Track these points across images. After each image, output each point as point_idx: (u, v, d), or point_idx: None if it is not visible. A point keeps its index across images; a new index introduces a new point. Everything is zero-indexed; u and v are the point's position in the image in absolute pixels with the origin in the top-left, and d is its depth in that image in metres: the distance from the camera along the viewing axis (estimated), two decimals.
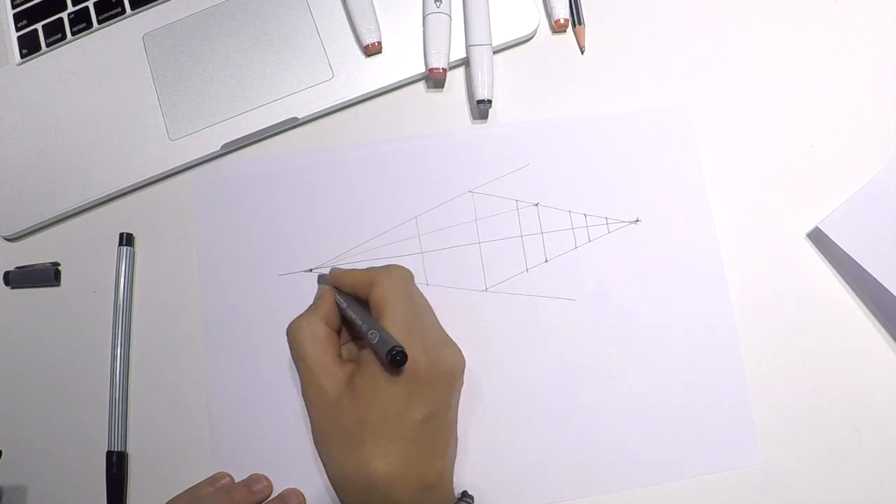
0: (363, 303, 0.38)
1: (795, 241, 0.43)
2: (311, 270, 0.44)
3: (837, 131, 0.45)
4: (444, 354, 0.36)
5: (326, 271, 0.43)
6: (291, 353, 0.38)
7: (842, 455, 0.40)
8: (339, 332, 0.39)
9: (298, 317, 0.38)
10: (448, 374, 0.36)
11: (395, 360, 0.32)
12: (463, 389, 0.41)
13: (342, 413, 0.34)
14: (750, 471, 0.40)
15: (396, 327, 0.34)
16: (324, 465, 0.37)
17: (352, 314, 0.37)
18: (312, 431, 0.37)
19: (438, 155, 0.45)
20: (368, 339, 0.34)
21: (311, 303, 0.41)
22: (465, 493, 0.38)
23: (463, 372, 0.38)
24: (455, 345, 0.37)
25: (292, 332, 0.37)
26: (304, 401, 0.37)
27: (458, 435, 0.40)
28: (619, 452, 0.40)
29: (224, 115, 0.45)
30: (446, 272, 0.43)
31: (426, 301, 0.40)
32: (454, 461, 0.38)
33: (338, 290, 0.40)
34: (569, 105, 0.46)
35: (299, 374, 0.37)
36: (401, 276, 0.38)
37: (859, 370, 0.41)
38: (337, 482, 0.36)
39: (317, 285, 0.43)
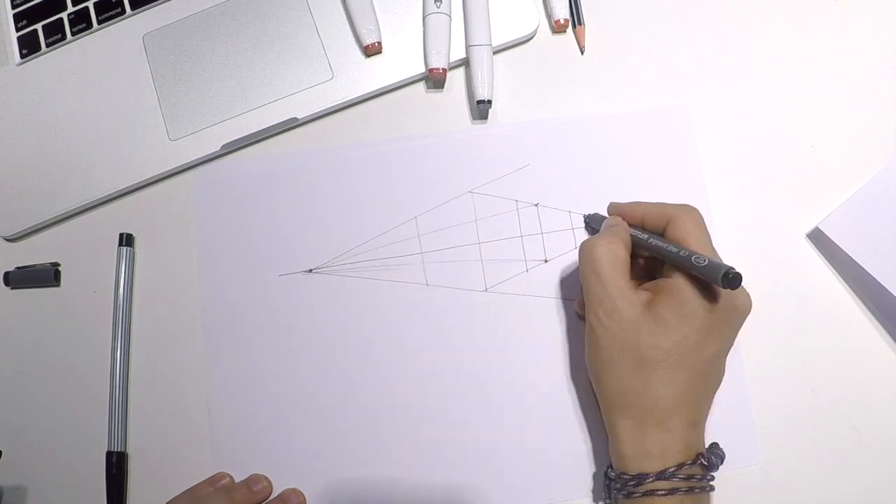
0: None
1: (795, 241, 0.43)
2: (311, 271, 0.44)
3: (837, 131, 0.45)
4: (742, 293, 0.36)
5: (325, 273, 0.44)
6: (584, 271, 0.37)
7: (842, 455, 0.40)
8: None
9: (596, 236, 0.38)
10: (742, 313, 0.36)
11: (733, 281, 0.32)
12: (463, 386, 0.41)
13: (638, 336, 0.35)
14: (750, 471, 0.40)
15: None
16: (598, 385, 0.37)
17: (659, 242, 0.36)
18: (593, 351, 0.37)
19: (438, 155, 0.45)
20: (692, 264, 0.34)
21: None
22: (716, 445, 0.38)
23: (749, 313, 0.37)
24: (744, 288, 0.36)
25: (592, 250, 0.37)
26: (590, 318, 0.37)
27: (459, 431, 0.41)
28: None
29: (224, 115, 0.45)
30: (446, 272, 0.43)
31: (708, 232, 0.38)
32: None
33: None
34: (569, 105, 0.46)
35: (588, 293, 0.37)
36: (698, 214, 0.37)
37: (859, 370, 0.41)
38: (614, 402, 0.36)
39: (584, 226, 0.43)
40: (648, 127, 0.45)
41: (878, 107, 0.45)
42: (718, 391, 0.41)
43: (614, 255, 0.36)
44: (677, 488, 0.34)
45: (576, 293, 0.43)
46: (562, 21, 0.46)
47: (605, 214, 0.42)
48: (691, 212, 0.37)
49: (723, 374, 0.37)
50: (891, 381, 0.41)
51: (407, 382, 0.42)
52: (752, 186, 0.44)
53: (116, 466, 0.42)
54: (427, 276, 0.43)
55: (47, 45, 0.48)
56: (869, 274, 0.40)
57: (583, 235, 0.43)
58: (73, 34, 0.48)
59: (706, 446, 0.37)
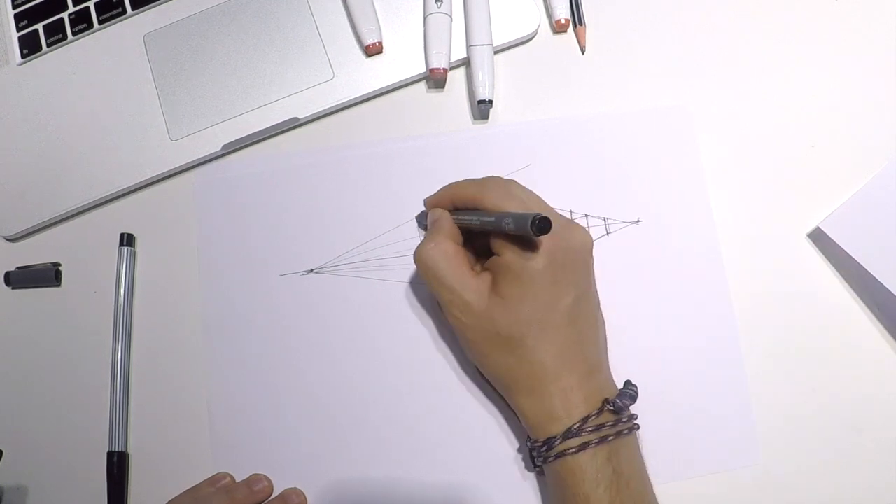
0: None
1: (796, 241, 0.43)
2: (311, 271, 0.44)
3: (838, 131, 0.45)
4: (572, 233, 0.36)
5: (326, 272, 0.44)
6: (425, 278, 0.37)
7: (842, 455, 0.40)
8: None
9: (422, 241, 0.38)
10: (581, 250, 0.36)
11: (541, 227, 0.32)
12: (464, 387, 0.41)
13: (495, 320, 0.35)
14: (750, 471, 0.40)
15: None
16: (485, 373, 0.38)
17: (474, 218, 0.36)
18: (465, 346, 0.38)
19: (439, 155, 0.45)
20: (503, 228, 0.34)
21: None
22: (628, 383, 0.37)
23: (593, 247, 0.37)
24: (577, 224, 0.37)
25: (422, 256, 0.37)
26: (450, 321, 0.37)
27: (460, 432, 0.41)
28: None
29: (225, 115, 0.45)
30: None
31: (534, 193, 0.38)
32: (606, 345, 0.38)
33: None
34: (569, 105, 0.46)
35: (438, 297, 0.37)
36: (503, 181, 0.38)
37: (860, 370, 0.41)
38: (503, 384, 0.37)
39: (417, 225, 0.43)
40: (649, 127, 0.45)
41: (879, 107, 0.45)
42: (718, 391, 0.41)
43: (445, 254, 0.36)
44: (588, 442, 0.34)
45: None
46: (562, 21, 0.46)
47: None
48: (495, 182, 0.38)
49: (598, 311, 0.37)
50: (892, 381, 0.41)
51: (408, 382, 0.42)
52: (752, 186, 0.44)
53: (117, 466, 0.42)
54: None
55: (48, 45, 0.48)
56: (870, 274, 0.40)
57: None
58: (73, 34, 0.48)
59: (618, 388, 0.36)
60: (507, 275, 0.35)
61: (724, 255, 0.43)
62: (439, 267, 0.36)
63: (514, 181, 0.38)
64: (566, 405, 0.34)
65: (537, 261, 0.34)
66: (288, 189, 0.45)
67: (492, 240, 0.36)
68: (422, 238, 0.40)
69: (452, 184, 0.40)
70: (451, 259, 0.36)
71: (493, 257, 0.36)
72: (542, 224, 0.32)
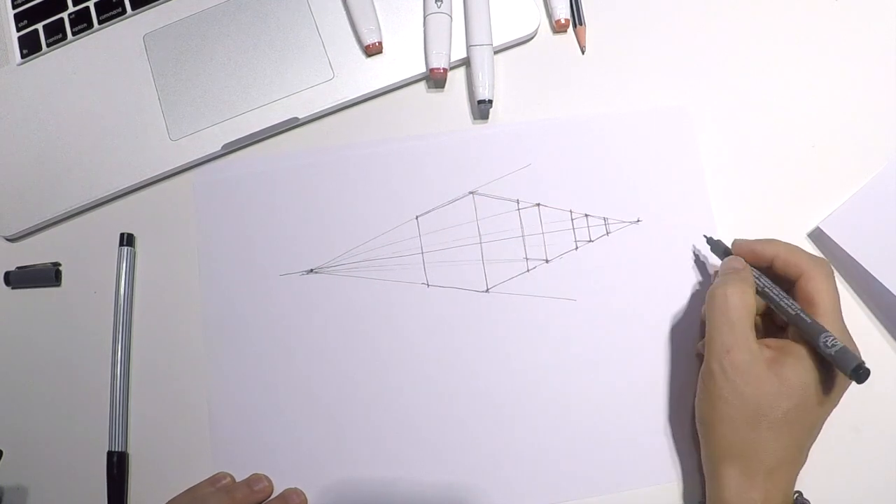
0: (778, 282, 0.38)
1: (796, 241, 0.43)
2: (311, 271, 0.44)
3: (838, 131, 0.45)
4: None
5: (326, 273, 0.44)
6: (715, 317, 0.36)
7: (843, 455, 0.40)
8: None
9: (727, 282, 0.37)
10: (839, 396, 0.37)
11: (862, 376, 0.33)
12: (463, 387, 0.41)
13: (760, 393, 0.35)
14: None
15: (833, 332, 0.35)
16: (709, 432, 0.37)
17: (786, 304, 0.36)
18: (709, 399, 0.37)
19: (439, 155, 0.45)
20: (821, 346, 0.34)
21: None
22: (800, 494, 0.38)
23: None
24: (854, 344, 0.37)
25: (727, 297, 0.36)
26: (712, 366, 0.36)
27: (459, 431, 0.41)
28: (621, 452, 0.40)
29: (225, 115, 0.45)
30: (447, 273, 0.43)
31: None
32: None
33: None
34: (569, 105, 0.46)
35: (716, 340, 0.36)
36: (832, 272, 0.37)
37: None
38: (723, 450, 0.36)
39: (706, 241, 0.41)
40: (649, 127, 0.45)
41: (879, 107, 0.45)
42: None
43: (747, 307, 0.36)
44: None
45: (576, 293, 0.43)
46: (562, 21, 0.46)
47: (721, 243, 0.41)
48: (826, 269, 0.37)
49: (818, 431, 0.38)
50: (892, 381, 0.41)
51: (407, 383, 0.42)
52: (752, 186, 0.44)
53: (117, 466, 0.42)
54: (428, 277, 0.43)
55: (48, 45, 0.48)
56: (870, 273, 0.40)
57: (584, 235, 0.43)
58: (73, 34, 0.48)
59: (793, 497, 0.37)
60: (799, 365, 0.35)
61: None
62: (737, 314, 0.36)
63: (832, 270, 0.37)
64: (769, 498, 0.35)
65: (831, 375, 0.35)
66: (288, 189, 0.45)
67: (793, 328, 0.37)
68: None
69: (774, 241, 0.39)
70: (750, 314, 0.36)
71: (789, 342, 0.36)
72: (863, 376, 0.33)
